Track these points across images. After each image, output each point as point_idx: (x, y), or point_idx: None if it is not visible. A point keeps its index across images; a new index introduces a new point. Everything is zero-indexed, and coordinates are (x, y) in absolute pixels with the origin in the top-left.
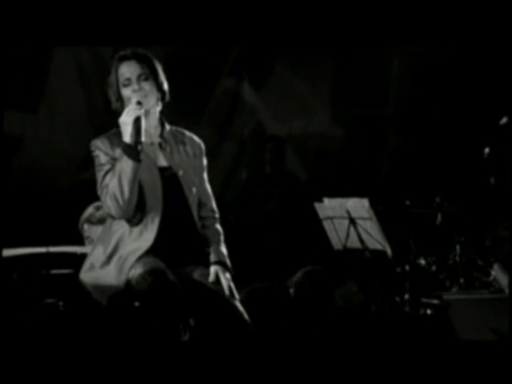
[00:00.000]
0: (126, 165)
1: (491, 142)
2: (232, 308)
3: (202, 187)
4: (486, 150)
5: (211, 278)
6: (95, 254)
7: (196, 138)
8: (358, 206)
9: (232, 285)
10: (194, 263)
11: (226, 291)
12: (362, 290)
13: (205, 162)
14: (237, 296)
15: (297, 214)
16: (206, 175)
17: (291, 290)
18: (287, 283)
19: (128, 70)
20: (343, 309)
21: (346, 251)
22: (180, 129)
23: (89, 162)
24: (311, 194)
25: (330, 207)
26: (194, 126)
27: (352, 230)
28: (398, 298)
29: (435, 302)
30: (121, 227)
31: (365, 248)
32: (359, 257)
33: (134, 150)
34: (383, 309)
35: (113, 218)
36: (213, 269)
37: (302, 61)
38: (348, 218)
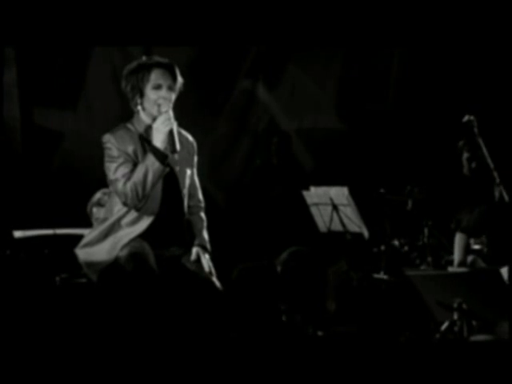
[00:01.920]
0: (154, 166)
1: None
2: (210, 284)
3: (192, 180)
4: (460, 143)
5: (193, 257)
6: (93, 232)
7: (190, 138)
8: (339, 193)
9: (210, 264)
10: (179, 245)
11: (206, 268)
12: (351, 268)
13: (196, 159)
14: (214, 272)
15: (296, 201)
16: (195, 170)
17: (278, 268)
18: (275, 262)
19: (162, 77)
20: (333, 284)
21: (330, 233)
22: (178, 128)
23: None
24: (315, 181)
25: (315, 195)
26: (215, 120)
27: (335, 214)
28: (375, 275)
29: (385, 277)
30: (120, 211)
31: (346, 231)
32: (342, 238)
33: (162, 155)
34: (363, 284)
35: (125, 205)
36: (195, 250)
37: (310, 63)
38: (331, 205)
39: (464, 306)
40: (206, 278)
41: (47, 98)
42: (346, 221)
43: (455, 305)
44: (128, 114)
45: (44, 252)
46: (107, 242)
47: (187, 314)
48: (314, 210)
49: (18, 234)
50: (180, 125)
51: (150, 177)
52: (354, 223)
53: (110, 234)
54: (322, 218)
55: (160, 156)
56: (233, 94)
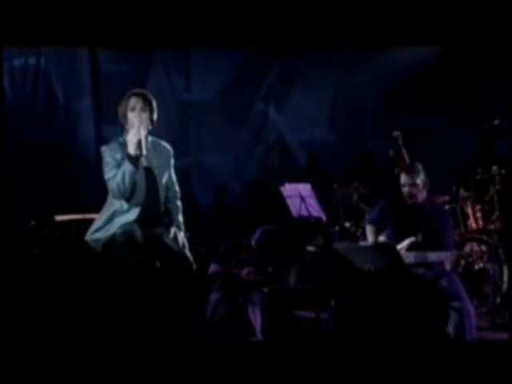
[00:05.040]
0: (129, 168)
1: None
2: (183, 255)
3: (170, 177)
4: (391, 152)
5: (171, 235)
6: (98, 221)
7: (167, 146)
8: (305, 188)
9: (185, 240)
10: (160, 226)
11: (180, 243)
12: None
13: (172, 161)
14: (186, 246)
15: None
16: (172, 169)
17: (253, 242)
18: (251, 238)
19: (135, 101)
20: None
21: (300, 218)
22: (158, 140)
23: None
24: (311, 181)
25: (289, 189)
26: (238, 133)
27: (302, 204)
28: (308, 248)
29: (313, 249)
30: (116, 203)
31: (310, 216)
32: (308, 221)
33: (135, 159)
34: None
35: (114, 197)
36: (172, 230)
37: (309, 89)
38: (299, 197)
39: (372, 269)
40: (180, 251)
41: (113, 116)
42: (310, 208)
43: (365, 269)
44: (172, 129)
45: (72, 231)
46: (107, 227)
47: (166, 276)
48: (288, 201)
49: (58, 218)
50: (213, 136)
51: (127, 176)
52: (316, 210)
53: (110, 221)
54: (294, 207)
55: (133, 160)
56: (251, 114)
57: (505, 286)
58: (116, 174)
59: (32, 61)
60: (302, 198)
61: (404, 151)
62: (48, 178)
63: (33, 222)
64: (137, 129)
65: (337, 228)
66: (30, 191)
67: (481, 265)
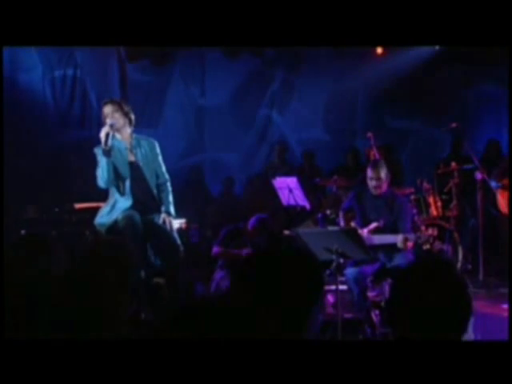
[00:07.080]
0: (103, 160)
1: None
2: (172, 237)
3: (158, 166)
4: (366, 150)
5: (161, 220)
6: (104, 208)
7: (150, 139)
8: (292, 181)
9: (173, 225)
10: (155, 211)
11: (168, 227)
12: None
13: (157, 150)
14: (174, 229)
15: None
16: (160, 158)
17: (249, 228)
18: (247, 223)
19: (107, 109)
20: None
21: (289, 207)
22: (142, 136)
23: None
24: (304, 175)
25: (279, 182)
26: (246, 134)
27: (290, 195)
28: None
29: (288, 233)
30: (116, 194)
31: (297, 204)
32: (296, 209)
33: (106, 151)
34: None
35: (101, 186)
36: (162, 216)
37: (306, 96)
38: (288, 188)
39: (339, 250)
40: (169, 233)
41: (140, 120)
42: (296, 198)
43: (333, 249)
44: (188, 130)
45: (86, 216)
46: (111, 213)
47: (157, 254)
48: (279, 192)
49: (77, 206)
50: (223, 136)
51: (104, 168)
52: (301, 200)
53: (112, 208)
54: (284, 197)
55: (105, 153)
56: (257, 117)
57: (459, 264)
58: (99, 168)
59: (70, 72)
60: (290, 190)
61: (375, 149)
62: (80, 172)
63: (56, 209)
64: (106, 126)
65: (319, 215)
66: (63, 183)
67: (428, 246)
